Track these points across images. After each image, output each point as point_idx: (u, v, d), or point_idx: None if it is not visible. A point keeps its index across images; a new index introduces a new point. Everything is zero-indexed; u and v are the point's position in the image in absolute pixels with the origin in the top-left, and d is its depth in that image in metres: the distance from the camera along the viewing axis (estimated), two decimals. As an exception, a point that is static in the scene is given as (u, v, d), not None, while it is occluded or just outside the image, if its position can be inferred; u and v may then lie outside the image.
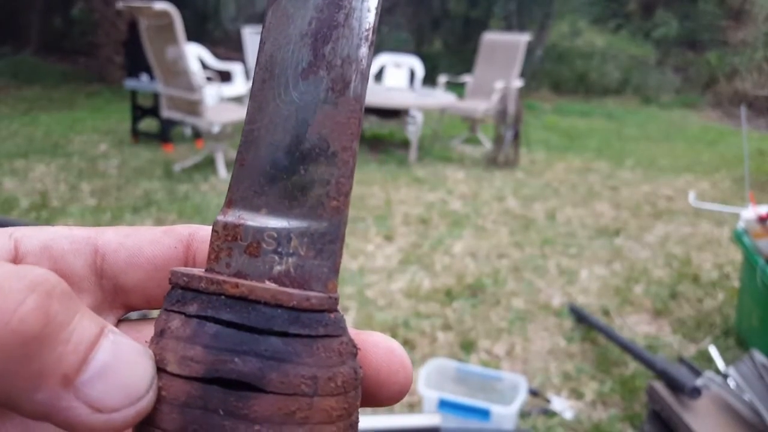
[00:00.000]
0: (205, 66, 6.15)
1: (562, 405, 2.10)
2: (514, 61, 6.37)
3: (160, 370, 0.18)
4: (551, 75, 11.40)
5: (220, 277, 0.19)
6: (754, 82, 9.93)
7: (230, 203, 0.20)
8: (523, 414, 2.03)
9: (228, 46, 10.13)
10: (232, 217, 0.20)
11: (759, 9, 10.45)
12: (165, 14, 4.26)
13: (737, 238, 2.46)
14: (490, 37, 6.79)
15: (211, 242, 0.20)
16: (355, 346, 0.20)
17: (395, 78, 6.97)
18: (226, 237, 0.20)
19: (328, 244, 0.20)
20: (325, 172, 0.20)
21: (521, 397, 1.82)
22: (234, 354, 0.18)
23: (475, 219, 4.05)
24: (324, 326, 0.19)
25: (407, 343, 2.44)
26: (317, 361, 0.18)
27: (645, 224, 4.12)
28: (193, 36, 5.26)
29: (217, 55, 6.75)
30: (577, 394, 2.19)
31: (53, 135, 5.89)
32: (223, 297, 0.18)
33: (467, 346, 2.46)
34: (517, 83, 6.21)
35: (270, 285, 0.19)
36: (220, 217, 0.20)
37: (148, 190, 4.32)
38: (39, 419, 0.16)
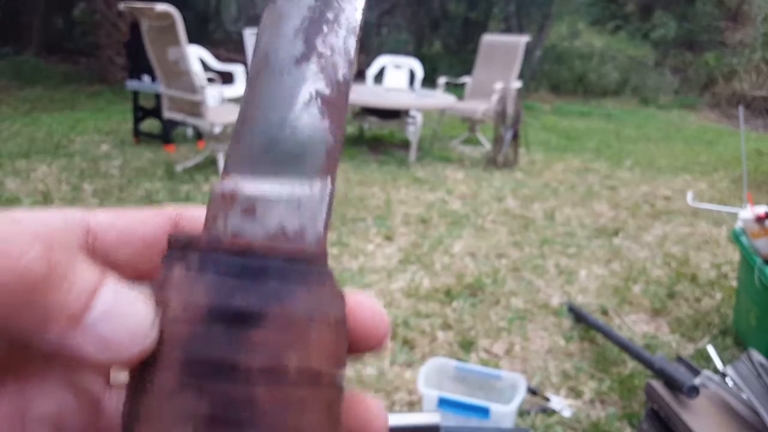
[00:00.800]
0: (206, 67, 6.17)
1: (561, 403, 2.12)
2: (513, 63, 6.39)
3: (162, 315, 0.19)
4: (550, 76, 11.43)
5: (218, 234, 0.20)
6: (752, 82, 9.96)
7: (226, 174, 0.22)
8: (522, 412, 2.05)
9: (229, 48, 10.15)
10: (228, 185, 0.21)
11: (757, 10, 10.47)
12: (166, 15, 4.28)
13: (735, 237, 2.47)
14: (490, 39, 6.81)
15: (208, 210, 0.21)
16: (342, 294, 0.21)
17: (395, 79, 7.00)
18: (223, 203, 0.21)
19: (319, 205, 0.21)
20: (317, 139, 0.22)
21: (520, 395, 1.83)
22: (235, 294, 0.19)
23: (474, 219, 4.07)
24: (318, 274, 0.20)
25: (407, 343, 2.46)
26: (313, 300, 0.20)
27: (643, 224, 4.14)
28: (194, 37, 5.27)
29: (219, 57, 6.77)
30: (575, 393, 2.21)
31: (55, 135, 5.91)
32: (221, 252, 0.20)
33: (467, 345, 2.48)
34: (516, 84, 6.24)
35: (266, 241, 0.20)
36: (217, 186, 0.22)
37: (150, 190, 4.33)
38: (51, 355, 0.18)
